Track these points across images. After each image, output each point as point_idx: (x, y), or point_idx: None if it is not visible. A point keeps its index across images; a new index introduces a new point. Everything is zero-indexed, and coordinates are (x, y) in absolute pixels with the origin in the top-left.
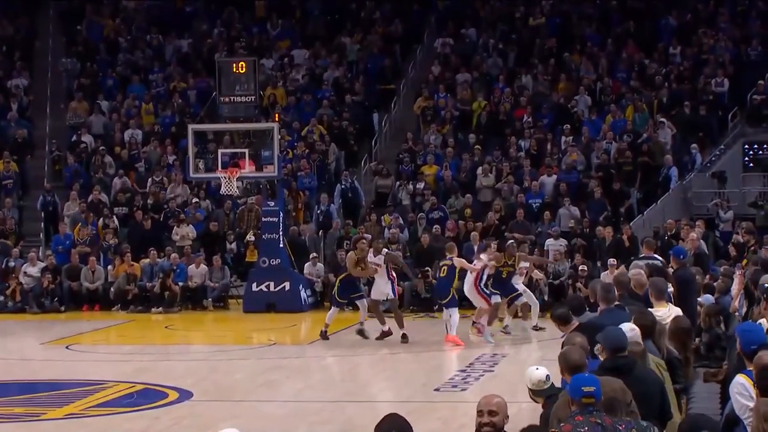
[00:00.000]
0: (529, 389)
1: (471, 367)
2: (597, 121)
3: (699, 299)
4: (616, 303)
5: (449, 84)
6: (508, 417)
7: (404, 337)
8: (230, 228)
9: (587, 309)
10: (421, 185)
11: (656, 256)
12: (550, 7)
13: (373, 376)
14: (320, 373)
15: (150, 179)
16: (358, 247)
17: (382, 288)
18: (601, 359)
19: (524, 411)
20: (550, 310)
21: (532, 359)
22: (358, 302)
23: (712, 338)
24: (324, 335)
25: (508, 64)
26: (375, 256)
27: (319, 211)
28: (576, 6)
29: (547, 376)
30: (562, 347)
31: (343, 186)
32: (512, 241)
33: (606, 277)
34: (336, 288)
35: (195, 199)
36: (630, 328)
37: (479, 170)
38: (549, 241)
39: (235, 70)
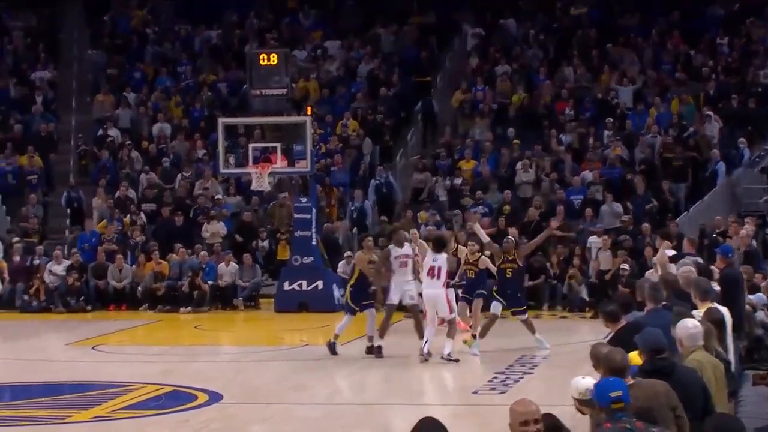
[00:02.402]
0: (576, 399)
1: (510, 369)
2: (642, 115)
3: (750, 297)
4: (664, 303)
5: (488, 76)
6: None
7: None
8: (260, 225)
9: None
10: (458, 181)
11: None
12: None
13: (408, 379)
14: (354, 375)
15: (180, 175)
16: (365, 246)
17: (404, 287)
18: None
19: (561, 416)
20: (598, 307)
21: (571, 361)
22: (367, 311)
23: (751, 341)
24: (332, 347)
25: (548, 56)
26: (401, 248)
27: (353, 208)
28: None
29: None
30: (591, 356)
31: (377, 181)
32: (510, 237)
33: (651, 276)
34: (348, 294)
35: (218, 196)
36: (693, 325)
37: (518, 165)
38: (592, 239)
39: (266, 62)
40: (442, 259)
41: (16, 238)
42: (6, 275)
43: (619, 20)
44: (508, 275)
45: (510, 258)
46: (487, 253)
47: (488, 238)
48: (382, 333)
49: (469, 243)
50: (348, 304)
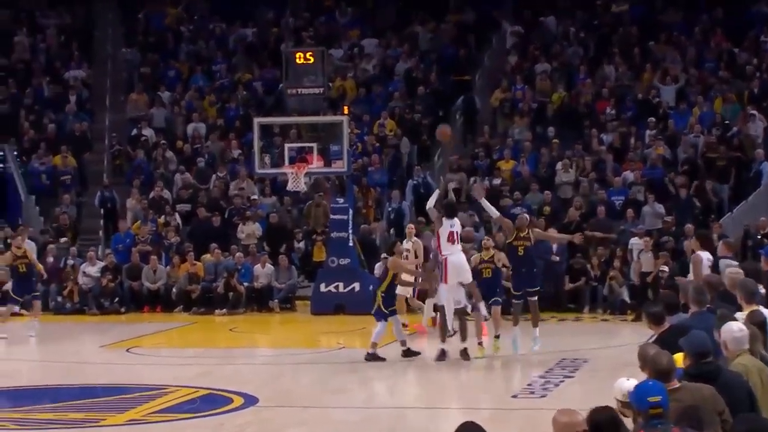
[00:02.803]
0: (619, 401)
1: (550, 373)
2: (684, 114)
3: None
4: (708, 306)
5: (527, 75)
6: None
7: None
8: (295, 225)
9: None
10: (497, 181)
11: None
12: None
13: (447, 382)
14: (392, 378)
15: (214, 175)
16: (396, 251)
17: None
18: (683, 366)
19: None
20: (639, 309)
21: (613, 364)
22: (392, 318)
23: None
24: (374, 356)
25: (588, 54)
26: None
27: (390, 209)
28: None
29: None
30: (639, 357)
31: (415, 182)
32: (525, 214)
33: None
34: (380, 300)
35: (253, 196)
36: (739, 329)
37: (559, 165)
38: (633, 240)
39: (302, 60)
40: (457, 223)
41: (64, 239)
42: (43, 272)
43: (662, 17)
44: (520, 253)
45: (523, 235)
46: (501, 254)
47: (498, 213)
48: (444, 336)
49: (485, 238)
50: (381, 310)
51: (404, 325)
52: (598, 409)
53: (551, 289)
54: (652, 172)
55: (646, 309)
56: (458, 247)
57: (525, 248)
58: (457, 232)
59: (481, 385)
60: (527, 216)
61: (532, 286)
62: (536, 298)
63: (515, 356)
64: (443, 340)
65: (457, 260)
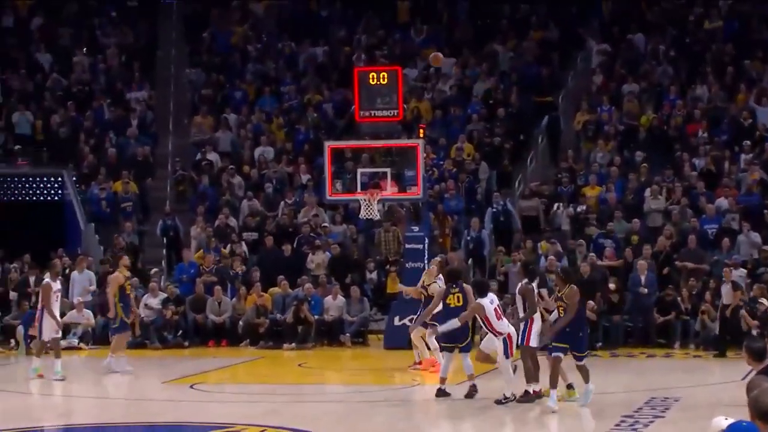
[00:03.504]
0: None
1: (639, 413)
2: None
3: None
4: None
5: (614, 96)
6: None
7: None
8: (361, 254)
9: None
10: (582, 208)
11: None
12: (728, 9)
13: (529, 422)
14: (471, 418)
15: (283, 202)
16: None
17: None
18: None
19: None
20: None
21: (706, 404)
22: (448, 354)
23: None
24: (471, 394)
25: (680, 74)
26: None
27: (468, 237)
28: (758, 6)
29: None
30: (747, 390)
31: (494, 209)
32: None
33: None
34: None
35: (324, 224)
36: None
37: (647, 192)
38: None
39: (375, 81)
40: (495, 297)
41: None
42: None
43: (757, 34)
44: (561, 314)
45: (559, 295)
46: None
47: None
48: (530, 378)
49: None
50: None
51: (419, 363)
52: None
53: (640, 323)
54: (747, 198)
55: (748, 344)
56: (505, 320)
57: (564, 309)
58: (499, 305)
59: (566, 425)
60: (561, 274)
61: (579, 350)
62: (582, 362)
63: (600, 395)
64: (529, 382)
65: (514, 332)
